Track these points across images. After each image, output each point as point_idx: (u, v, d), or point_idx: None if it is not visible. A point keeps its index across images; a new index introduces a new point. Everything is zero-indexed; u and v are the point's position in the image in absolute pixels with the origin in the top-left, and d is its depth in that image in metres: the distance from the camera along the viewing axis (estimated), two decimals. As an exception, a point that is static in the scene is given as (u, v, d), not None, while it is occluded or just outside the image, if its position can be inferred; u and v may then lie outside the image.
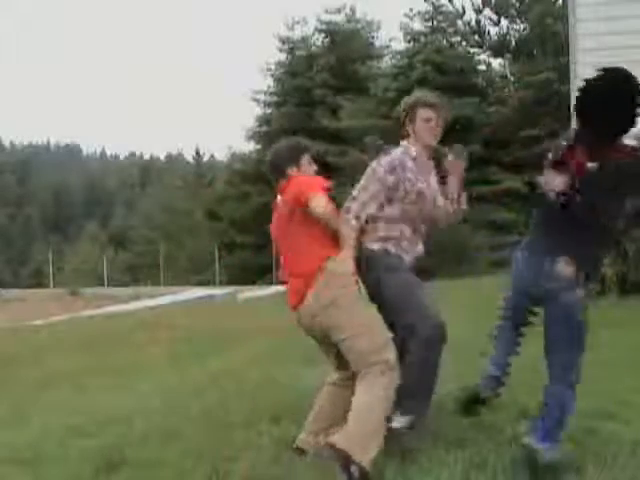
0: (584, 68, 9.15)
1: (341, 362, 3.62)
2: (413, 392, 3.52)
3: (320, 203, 3.46)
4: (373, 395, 3.38)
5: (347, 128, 26.27)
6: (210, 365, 6.86)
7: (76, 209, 65.32)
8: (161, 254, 35.64)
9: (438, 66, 24.62)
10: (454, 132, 23.10)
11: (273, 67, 32.00)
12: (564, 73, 15.63)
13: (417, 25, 27.01)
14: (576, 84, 9.26)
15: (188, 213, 38.04)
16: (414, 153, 3.78)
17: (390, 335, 3.50)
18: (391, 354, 3.43)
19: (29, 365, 8.12)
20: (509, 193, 23.33)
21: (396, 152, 3.80)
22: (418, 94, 3.91)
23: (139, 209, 46.13)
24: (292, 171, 3.68)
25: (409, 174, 3.72)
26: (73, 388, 6.57)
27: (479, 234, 20.22)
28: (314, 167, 3.75)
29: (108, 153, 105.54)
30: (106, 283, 33.89)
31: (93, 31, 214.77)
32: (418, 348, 3.49)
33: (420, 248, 3.81)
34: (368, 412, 3.36)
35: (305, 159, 3.73)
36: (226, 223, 31.37)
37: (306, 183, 3.57)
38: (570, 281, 3.10)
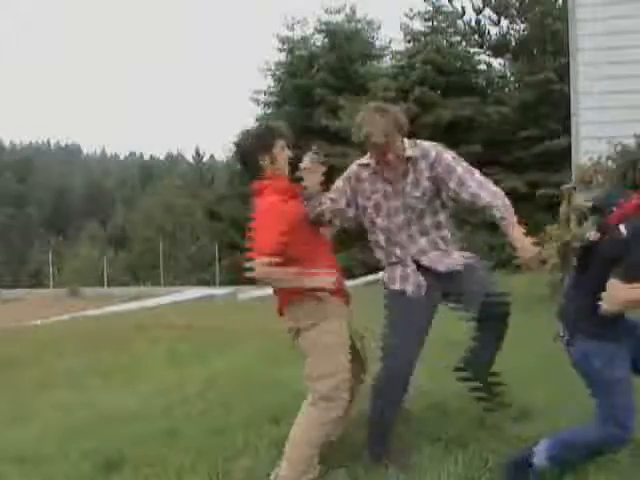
0: (584, 68, 9.16)
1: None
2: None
3: (256, 269, 3.26)
4: (301, 423, 3.39)
5: (347, 128, 26.24)
6: (210, 365, 6.86)
7: (76, 209, 65.24)
8: (161, 254, 35.63)
9: (438, 66, 24.59)
10: (454, 132, 23.14)
11: (273, 67, 31.99)
12: (564, 73, 15.64)
13: (417, 25, 27.03)
14: (576, 84, 9.27)
15: (188, 213, 38.02)
16: (373, 163, 3.57)
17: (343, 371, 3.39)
18: (323, 387, 3.34)
19: (29, 365, 8.12)
20: (508, 193, 23.34)
21: (354, 162, 3.69)
22: (367, 129, 3.42)
23: (139, 209, 46.00)
24: (264, 161, 3.42)
25: (365, 185, 3.60)
26: (73, 388, 6.57)
27: (478, 234, 20.22)
28: (288, 153, 3.47)
29: (108, 153, 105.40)
30: (106, 283, 33.88)
31: (93, 31, 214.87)
32: (370, 392, 3.56)
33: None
34: (292, 439, 3.38)
35: (278, 145, 3.44)
36: (226, 223, 31.37)
37: (258, 233, 3.36)
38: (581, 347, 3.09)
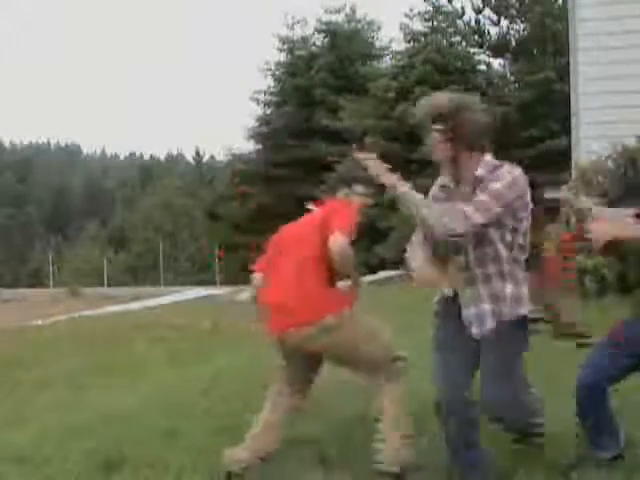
0: (584, 68, 9.17)
1: (296, 377, 3.66)
2: None
3: (339, 244, 3.39)
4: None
5: (347, 128, 26.25)
6: (210, 365, 6.86)
7: (76, 209, 65.26)
8: (161, 254, 35.63)
9: (438, 66, 24.60)
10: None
11: (273, 67, 31.99)
12: (564, 73, 15.64)
13: (417, 25, 27.03)
14: (576, 84, 9.29)
15: (188, 213, 38.05)
16: (450, 182, 3.22)
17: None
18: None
19: (29, 365, 8.11)
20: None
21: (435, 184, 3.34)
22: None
23: (139, 209, 46.05)
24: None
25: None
26: (73, 388, 6.57)
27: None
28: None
29: (108, 153, 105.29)
30: (106, 283, 33.88)
31: (93, 31, 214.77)
32: None
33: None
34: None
35: (357, 189, 3.70)
36: (226, 223, 31.38)
37: (339, 212, 3.51)
38: None
